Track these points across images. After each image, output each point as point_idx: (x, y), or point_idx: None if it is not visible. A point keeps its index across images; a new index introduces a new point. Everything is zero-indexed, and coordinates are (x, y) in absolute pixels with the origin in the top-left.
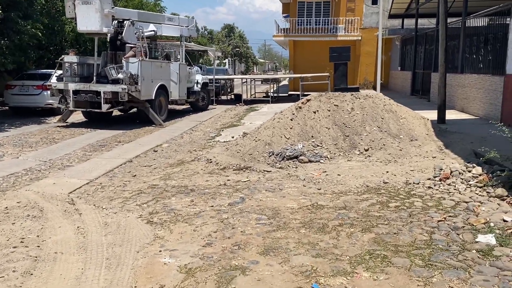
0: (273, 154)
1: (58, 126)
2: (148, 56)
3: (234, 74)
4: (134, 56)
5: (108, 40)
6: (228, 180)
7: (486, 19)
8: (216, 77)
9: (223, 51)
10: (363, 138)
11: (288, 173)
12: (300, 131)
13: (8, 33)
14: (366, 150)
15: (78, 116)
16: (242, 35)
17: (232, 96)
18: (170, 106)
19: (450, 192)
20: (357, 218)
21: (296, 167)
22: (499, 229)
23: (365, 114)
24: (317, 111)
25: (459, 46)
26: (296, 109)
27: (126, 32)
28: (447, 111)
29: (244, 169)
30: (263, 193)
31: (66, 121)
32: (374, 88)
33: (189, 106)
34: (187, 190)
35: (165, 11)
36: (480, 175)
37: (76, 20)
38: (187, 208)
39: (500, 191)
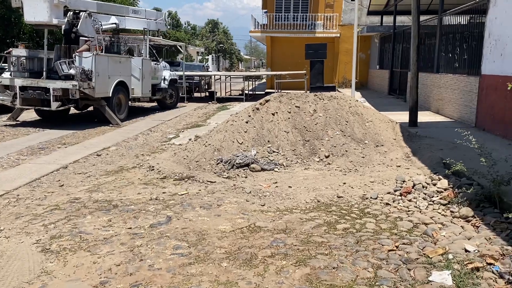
0: (221, 161)
1: (6, 125)
2: (108, 51)
3: (218, 71)
4: (88, 50)
5: (62, 32)
6: (164, 192)
7: (463, 16)
8: (188, 73)
9: (206, 47)
10: (324, 144)
11: (234, 185)
12: (255, 135)
13: None
14: (327, 157)
15: (32, 114)
16: (226, 31)
17: (207, 94)
18: (138, 104)
19: (409, 211)
20: (295, 245)
21: (246, 177)
22: (458, 263)
23: (328, 116)
24: (276, 113)
25: (435, 44)
26: (253, 110)
27: (82, 24)
28: (421, 113)
29: (186, 179)
30: (196, 210)
31: (17, 119)
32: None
33: (156, 104)
34: (110, 206)
35: (137, 4)
36: (445, 189)
37: (22, 10)
38: (99, 230)
39: (465, 210)
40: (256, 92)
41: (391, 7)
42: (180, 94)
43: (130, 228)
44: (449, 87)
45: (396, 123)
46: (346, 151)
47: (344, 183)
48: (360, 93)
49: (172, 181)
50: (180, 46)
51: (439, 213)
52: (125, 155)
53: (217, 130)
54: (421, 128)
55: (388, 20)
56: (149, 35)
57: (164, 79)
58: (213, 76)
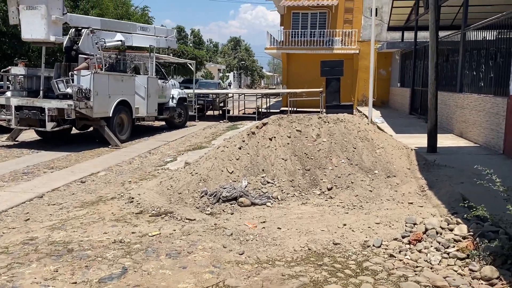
0: (206, 194)
1: (3, 146)
2: (113, 69)
3: (240, 88)
4: (87, 68)
5: (64, 50)
6: (133, 233)
7: (489, 31)
8: (198, 91)
9: (228, 64)
10: (327, 173)
11: (215, 224)
12: (248, 163)
13: None
14: (329, 189)
15: (33, 134)
16: (248, 48)
17: (220, 112)
18: (147, 123)
19: (417, 266)
20: None
21: (232, 213)
22: None
23: (333, 142)
24: (274, 137)
25: (458, 62)
26: (248, 135)
27: (83, 41)
28: (443, 136)
29: (163, 215)
30: (160, 259)
31: (16, 140)
32: (373, 106)
33: (165, 123)
34: (64, 250)
35: (153, 22)
36: (464, 237)
37: (20, 27)
38: (36, 285)
39: (489, 270)
40: (271, 110)
41: (412, 23)
42: (191, 112)
43: (75, 283)
44: (474, 108)
45: (412, 149)
46: (352, 182)
47: (345, 225)
48: (380, 112)
49: (147, 217)
50: (190, 64)
51: (455, 271)
52: (111, 182)
53: (206, 157)
54: (441, 155)
55: (409, 36)
56: (159, 52)
57: (173, 97)
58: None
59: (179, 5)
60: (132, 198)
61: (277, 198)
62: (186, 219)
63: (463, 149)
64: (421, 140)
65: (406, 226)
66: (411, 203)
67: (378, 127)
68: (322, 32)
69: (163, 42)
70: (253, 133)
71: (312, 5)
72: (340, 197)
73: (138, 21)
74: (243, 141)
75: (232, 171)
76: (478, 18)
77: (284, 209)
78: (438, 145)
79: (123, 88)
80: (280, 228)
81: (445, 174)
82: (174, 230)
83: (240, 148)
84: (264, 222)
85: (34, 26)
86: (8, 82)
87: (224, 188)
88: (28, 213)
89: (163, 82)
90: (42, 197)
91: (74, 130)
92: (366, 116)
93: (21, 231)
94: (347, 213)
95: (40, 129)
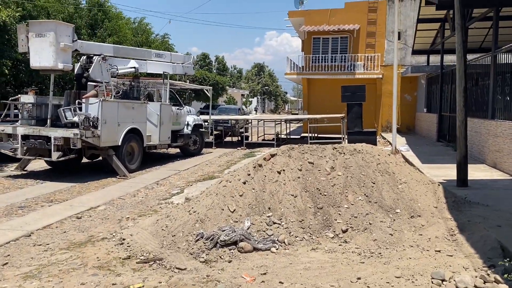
0: (202, 237)
1: (9, 176)
2: (126, 96)
3: (264, 113)
4: (96, 96)
5: (74, 77)
6: (114, 284)
7: None
8: (214, 117)
9: (252, 90)
10: (342, 213)
11: (208, 275)
12: (253, 201)
13: None
14: (344, 232)
15: (43, 163)
16: (272, 73)
17: (239, 138)
18: (162, 150)
19: None
20: None
21: (230, 261)
22: None
23: (349, 176)
24: (283, 170)
25: (489, 86)
26: (254, 167)
27: (94, 68)
28: (474, 166)
29: (152, 262)
30: None
31: (25, 169)
32: (398, 131)
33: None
34: None
35: (173, 49)
36: None
37: (29, 55)
38: None
39: None
40: (291, 136)
41: (438, 46)
42: (207, 139)
43: None
44: (508, 136)
45: (439, 184)
46: (370, 223)
47: (359, 279)
48: (405, 138)
49: (134, 264)
50: (207, 90)
51: None
52: (109, 218)
53: (207, 193)
54: (473, 190)
55: (435, 59)
56: (175, 79)
57: (188, 124)
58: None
59: (206, 33)
60: (123, 239)
61: (284, 242)
62: (176, 268)
63: (497, 182)
64: (450, 172)
65: (432, 282)
66: (439, 251)
67: (403, 156)
68: (343, 56)
69: (179, 68)
70: (260, 165)
71: (333, 30)
72: (356, 241)
73: (159, 48)
74: (249, 174)
75: (234, 210)
76: (509, 40)
77: (290, 257)
78: (469, 178)
79: (134, 116)
80: (283, 283)
81: (478, 215)
82: (160, 283)
83: (244, 183)
84: (264, 274)
85: (43, 54)
86: (16, 111)
87: (222, 231)
88: (8, 255)
89: (177, 108)
90: (30, 235)
91: (85, 159)
92: (390, 143)
93: None
94: (363, 262)
95: (47, 159)
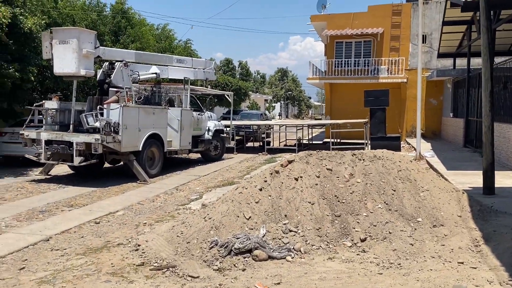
0: (216, 244)
1: (33, 181)
2: (148, 101)
3: (287, 118)
4: (117, 101)
5: (97, 83)
6: None
7: None
8: (235, 123)
9: (275, 95)
10: (360, 221)
11: (220, 284)
12: (269, 208)
13: None
14: (363, 241)
15: (66, 168)
16: (295, 78)
17: (261, 144)
18: (183, 155)
19: None
20: None
21: (244, 269)
22: None
23: (369, 183)
24: (301, 177)
25: None
26: (271, 174)
27: (116, 74)
28: (502, 173)
29: (165, 269)
30: None
31: (48, 173)
32: (423, 137)
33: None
34: None
35: (196, 55)
36: None
37: (52, 62)
38: None
39: None
40: (314, 142)
41: (465, 49)
42: (228, 144)
43: None
44: None
45: (463, 192)
46: (390, 233)
47: None
48: (430, 144)
49: (147, 271)
50: (228, 96)
51: None
52: (126, 223)
53: (223, 199)
54: (500, 198)
55: (462, 62)
56: (196, 84)
57: (208, 129)
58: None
59: (229, 39)
60: (138, 245)
61: (300, 251)
62: (189, 276)
63: None
64: (477, 179)
65: None
66: (462, 262)
67: (427, 162)
68: (367, 61)
69: (200, 74)
70: (277, 172)
71: (356, 33)
72: (375, 250)
73: (181, 54)
74: (265, 181)
75: (250, 217)
76: None
77: (306, 266)
78: (496, 185)
79: (154, 121)
80: None
81: (505, 225)
82: None
83: (261, 190)
84: (278, 283)
85: (66, 60)
86: (41, 116)
87: (237, 238)
88: (26, 260)
89: (198, 114)
90: (48, 240)
91: (107, 164)
92: (414, 149)
93: (8, 284)
94: (382, 273)
95: (69, 163)
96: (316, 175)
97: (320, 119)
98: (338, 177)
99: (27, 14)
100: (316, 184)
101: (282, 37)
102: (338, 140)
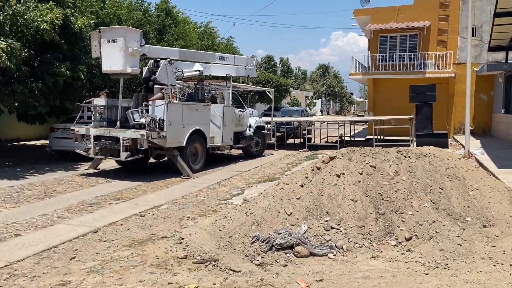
0: (257, 239)
1: (83, 175)
2: (191, 98)
3: (328, 114)
4: (162, 98)
5: (142, 80)
6: (170, 283)
7: None
8: (276, 119)
9: (316, 91)
10: (405, 219)
11: (262, 279)
12: (310, 204)
13: (42, 76)
14: (408, 240)
15: (114, 162)
16: (337, 74)
17: (301, 140)
18: (226, 151)
19: None
20: None
21: (285, 265)
22: None
23: (414, 181)
24: (343, 174)
25: None
26: (312, 170)
27: (161, 72)
28: None
29: (207, 263)
30: None
31: (97, 168)
32: (472, 134)
33: (242, 152)
34: None
35: (238, 52)
36: None
37: (101, 60)
38: None
39: None
40: (356, 139)
41: None
42: (269, 141)
43: None
44: None
45: None
46: (437, 232)
47: None
48: (480, 141)
49: (190, 264)
50: (269, 92)
51: None
52: (170, 217)
53: (264, 195)
54: None
55: None
56: (238, 81)
57: (250, 126)
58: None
59: (271, 35)
60: (182, 239)
61: (342, 248)
62: (231, 270)
63: None
64: None
65: None
66: None
67: (477, 160)
68: (412, 55)
69: (242, 71)
70: (319, 168)
71: (401, 27)
72: (421, 250)
73: (223, 51)
74: (306, 177)
75: (291, 213)
76: None
77: (348, 264)
78: None
79: (197, 118)
80: None
81: None
82: (214, 284)
83: (302, 186)
84: (320, 280)
85: (113, 59)
86: (90, 113)
87: (278, 234)
88: (76, 250)
89: (240, 110)
90: (96, 231)
91: (152, 159)
92: (463, 146)
93: (60, 273)
94: (427, 273)
95: (116, 158)
96: (359, 172)
97: (363, 115)
98: (382, 174)
99: (77, 14)
100: (359, 181)
101: (324, 33)
102: (382, 137)
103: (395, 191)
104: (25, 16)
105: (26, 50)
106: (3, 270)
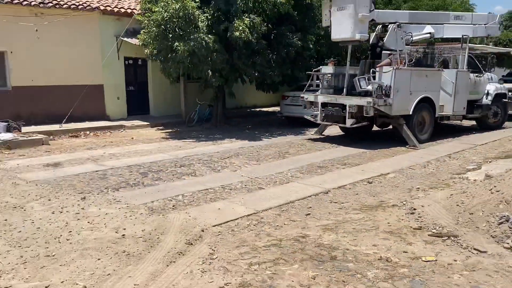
0: (507, 221)
1: (310, 139)
2: (419, 64)
3: None
4: (389, 64)
5: (369, 47)
6: (405, 252)
7: None
8: None
9: None
10: None
11: (510, 266)
12: None
13: (277, 47)
14: None
15: (337, 129)
16: None
17: None
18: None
19: None
20: None
21: None
22: None
23: None
24: None
25: None
26: None
27: (389, 37)
28: None
29: (445, 237)
30: None
31: (322, 134)
32: None
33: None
34: (328, 256)
35: (474, 10)
36: None
37: (330, 29)
38: None
39: None
40: None
41: None
42: (510, 111)
43: None
44: None
45: None
46: None
47: None
48: None
49: (425, 236)
50: None
51: None
52: (398, 186)
53: None
54: None
55: None
56: (475, 42)
57: (487, 93)
58: None
59: None
60: (414, 209)
61: None
62: (474, 249)
63: None
64: None
65: None
66: None
67: None
68: None
69: (481, 30)
70: None
71: None
72: None
73: (457, 10)
74: None
75: None
76: None
77: None
78: None
79: (426, 84)
80: None
81: None
82: (455, 261)
83: None
84: None
85: (342, 26)
86: (318, 81)
87: None
88: (310, 207)
89: (476, 76)
90: (327, 193)
91: (375, 127)
92: None
93: (298, 226)
94: None
95: (341, 125)
96: None
97: None
98: None
99: None
100: None
101: None
102: None
103: None
104: None
105: (264, 24)
106: (252, 216)
